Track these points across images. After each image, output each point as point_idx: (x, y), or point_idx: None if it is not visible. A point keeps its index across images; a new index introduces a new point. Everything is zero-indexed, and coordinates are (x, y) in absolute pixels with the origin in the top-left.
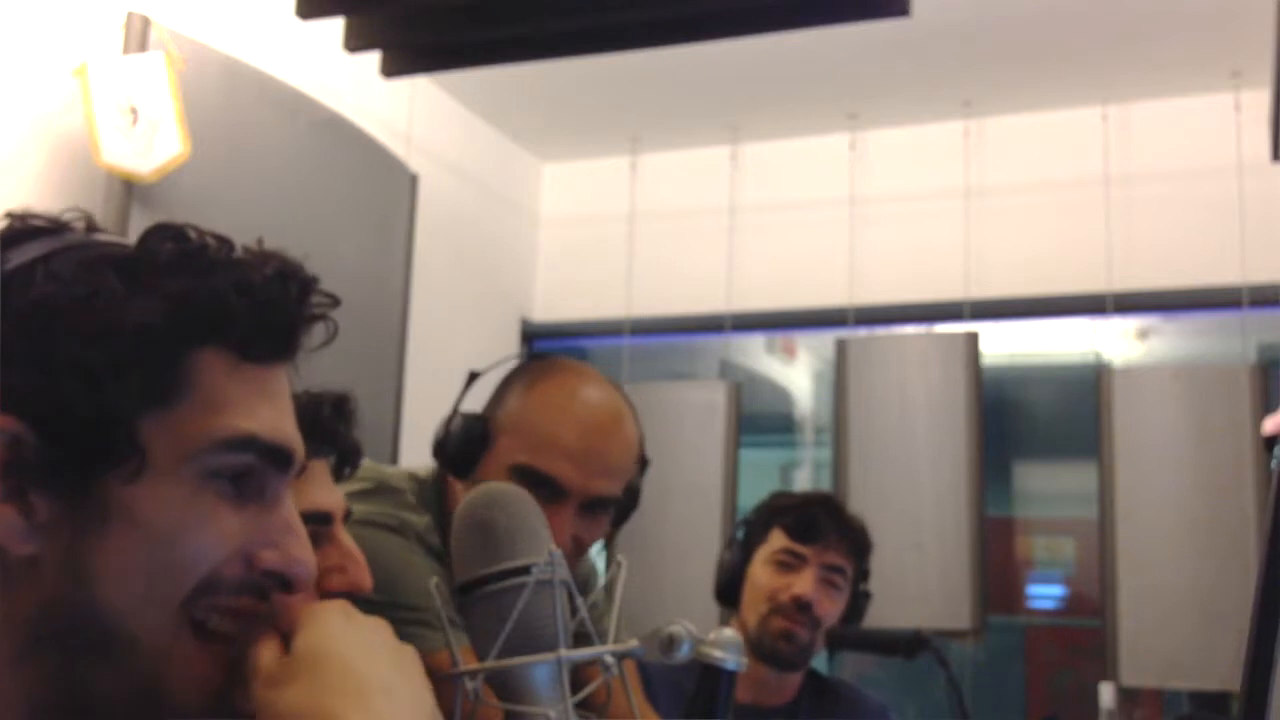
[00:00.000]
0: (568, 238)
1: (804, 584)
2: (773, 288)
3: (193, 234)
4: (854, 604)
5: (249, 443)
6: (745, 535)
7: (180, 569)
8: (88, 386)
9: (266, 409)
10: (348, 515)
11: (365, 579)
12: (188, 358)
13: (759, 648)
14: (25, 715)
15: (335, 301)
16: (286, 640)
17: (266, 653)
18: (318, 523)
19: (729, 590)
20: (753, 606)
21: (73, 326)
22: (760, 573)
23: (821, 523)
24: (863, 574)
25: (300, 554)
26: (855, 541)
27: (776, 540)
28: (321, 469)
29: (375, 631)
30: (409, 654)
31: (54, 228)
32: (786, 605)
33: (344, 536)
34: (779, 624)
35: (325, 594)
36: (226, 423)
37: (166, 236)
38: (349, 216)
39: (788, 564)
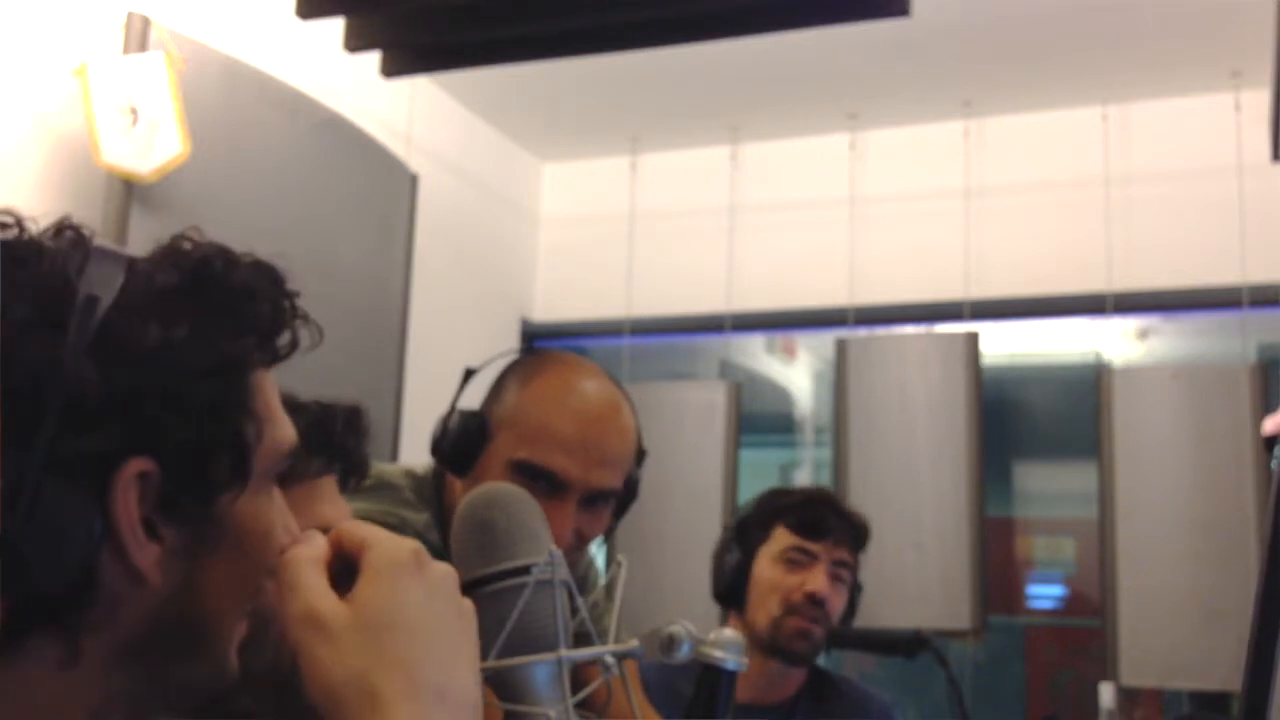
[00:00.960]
0: (568, 238)
1: (817, 580)
2: (773, 288)
3: (206, 247)
4: (852, 596)
5: (294, 449)
6: (744, 534)
7: (265, 570)
8: (216, 420)
9: (284, 413)
10: None
11: None
12: (253, 375)
13: (772, 646)
14: (107, 712)
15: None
16: (341, 568)
17: (321, 591)
18: None
19: (732, 590)
20: (762, 606)
21: (187, 364)
22: (769, 571)
23: (828, 518)
24: (859, 565)
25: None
26: (859, 535)
27: (782, 538)
28: (330, 485)
29: (445, 592)
30: (470, 617)
31: (84, 241)
32: (801, 603)
33: None
34: (795, 623)
35: None
36: (284, 434)
37: (205, 259)
38: (349, 216)
39: (798, 561)
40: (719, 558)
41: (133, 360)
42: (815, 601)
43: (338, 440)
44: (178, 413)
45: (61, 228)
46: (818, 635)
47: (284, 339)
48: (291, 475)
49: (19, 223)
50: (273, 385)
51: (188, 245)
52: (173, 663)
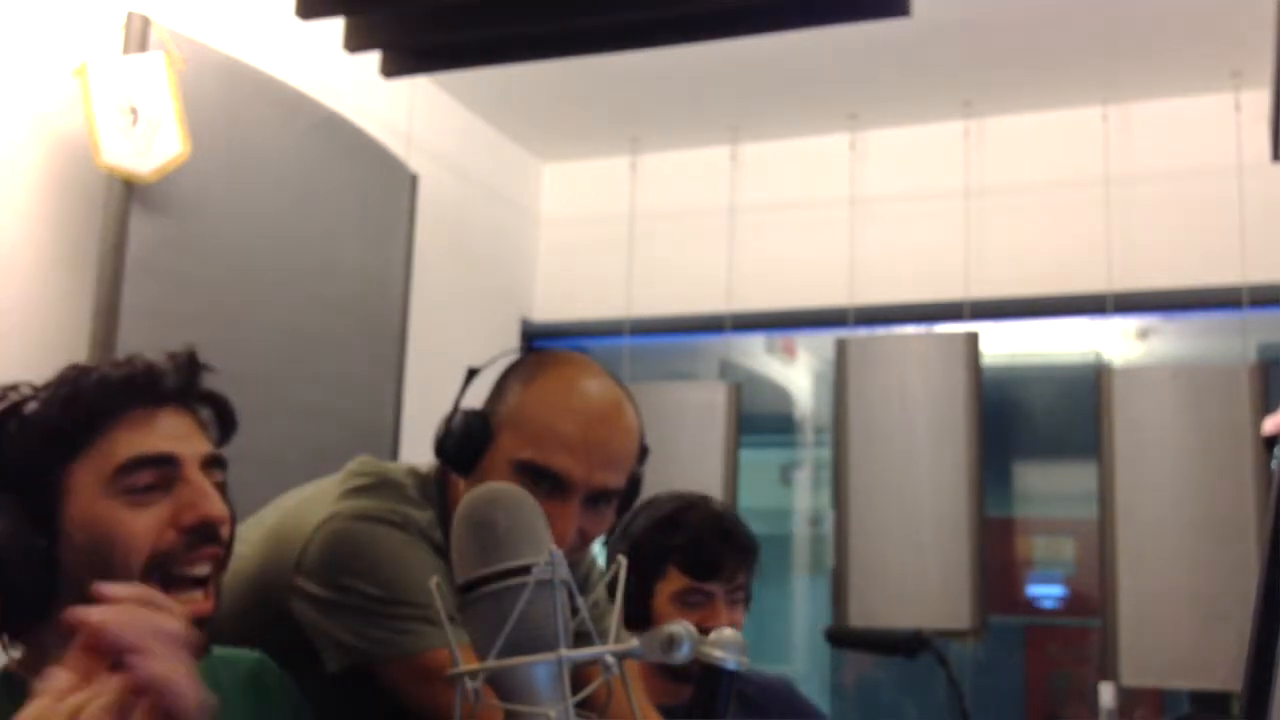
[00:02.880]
0: (568, 238)
1: (716, 617)
2: (773, 288)
3: None
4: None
5: None
6: (639, 564)
7: None
8: None
9: None
10: (215, 463)
11: (219, 510)
12: None
13: (677, 673)
14: None
15: None
16: None
17: None
18: (162, 465)
19: (636, 618)
20: None
21: None
22: (667, 610)
23: (719, 556)
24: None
25: None
26: (750, 556)
27: (676, 579)
28: (176, 420)
29: None
30: None
31: None
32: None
33: (198, 477)
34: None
35: (182, 529)
36: None
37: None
38: (349, 216)
39: (696, 602)
40: (621, 583)
41: None
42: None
43: (162, 376)
44: None
45: None
46: None
47: None
48: (115, 411)
49: None
50: None
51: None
52: None
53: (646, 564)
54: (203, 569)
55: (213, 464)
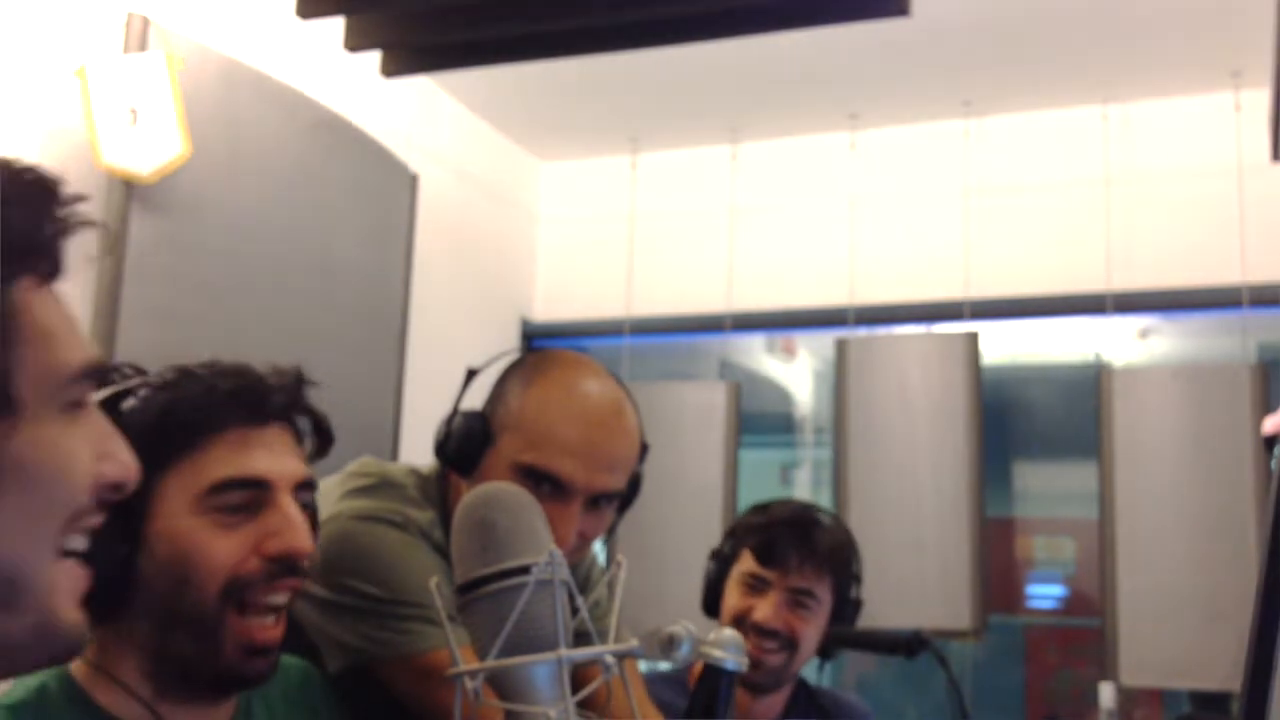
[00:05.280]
0: (567, 237)
1: (765, 610)
2: (773, 288)
3: None
4: (842, 612)
5: (89, 371)
6: (722, 548)
7: (67, 504)
8: None
9: (73, 333)
10: (308, 486)
11: (305, 542)
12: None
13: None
14: None
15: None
16: None
17: None
18: (253, 488)
19: (710, 606)
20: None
21: None
22: (731, 593)
23: (784, 546)
24: (847, 584)
25: None
26: (824, 561)
27: (745, 561)
28: (275, 435)
29: None
30: None
31: None
32: (750, 631)
33: (288, 503)
34: (747, 649)
35: (264, 557)
36: (68, 356)
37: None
38: (349, 216)
39: (754, 587)
40: (707, 569)
41: None
42: (764, 631)
43: (268, 394)
44: None
45: None
46: (771, 663)
47: (60, 251)
48: (216, 426)
49: None
50: (54, 302)
51: None
52: None
53: (730, 548)
54: (280, 599)
55: (304, 487)
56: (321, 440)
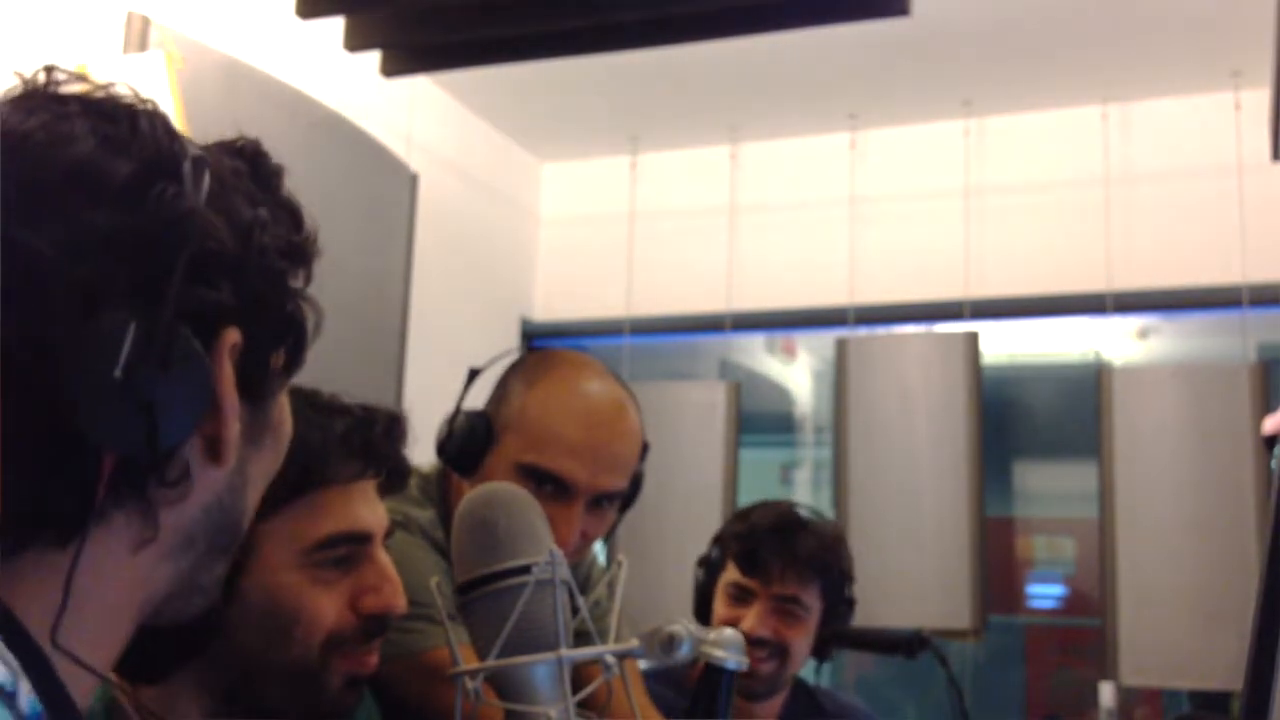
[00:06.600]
0: (567, 237)
1: (752, 620)
2: (773, 288)
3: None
4: (836, 612)
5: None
6: (709, 556)
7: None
8: (290, 297)
9: None
10: (389, 534)
11: (400, 601)
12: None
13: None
14: (158, 603)
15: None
16: None
17: None
18: (357, 542)
19: (702, 615)
20: None
21: (269, 243)
22: (719, 603)
23: (765, 555)
24: (836, 584)
25: None
26: (807, 566)
27: (730, 571)
28: (368, 488)
29: None
30: None
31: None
32: None
33: (382, 556)
34: None
35: (360, 614)
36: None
37: (259, 151)
38: (349, 216)
39: (739, 597)
40: (695, 576)
41: (233, 229)
42: (752, 641)
43: (377, 445)
44: (270, 287)
45: (113, 93)
46: (762, 671)
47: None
48: (329, 476)
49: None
50: None
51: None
52: (212, 561)
53: (715, 553)
54: (373, 654)
55: (389, 535)
56: (397, 484)
